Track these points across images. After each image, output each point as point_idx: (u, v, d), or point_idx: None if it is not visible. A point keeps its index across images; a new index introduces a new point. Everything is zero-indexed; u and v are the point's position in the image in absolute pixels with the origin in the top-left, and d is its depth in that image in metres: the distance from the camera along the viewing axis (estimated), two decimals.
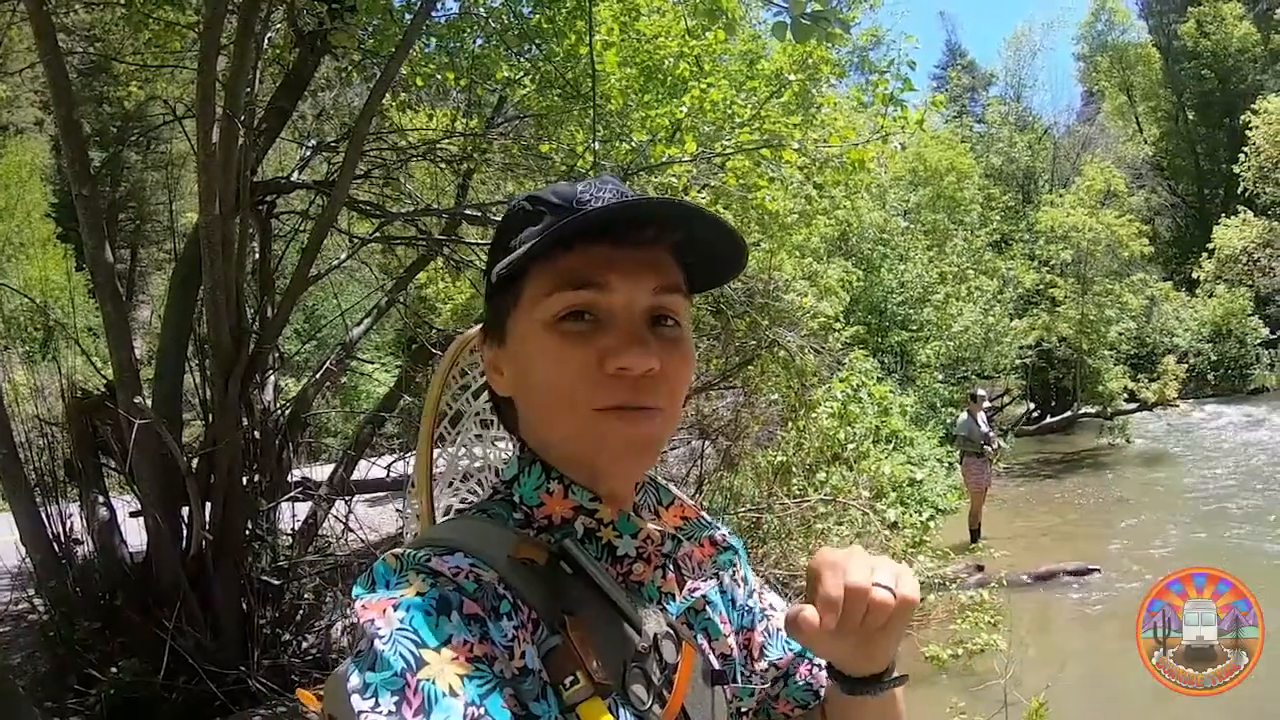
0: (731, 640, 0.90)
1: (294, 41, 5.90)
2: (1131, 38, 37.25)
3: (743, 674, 0.91)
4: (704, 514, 0.88)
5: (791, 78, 6.43)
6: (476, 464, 1.11)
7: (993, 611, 6.73)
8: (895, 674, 0.81)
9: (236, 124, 4.33)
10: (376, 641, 0.62)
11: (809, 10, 3.31)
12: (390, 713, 0.59)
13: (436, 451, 1.08)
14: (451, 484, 1.10)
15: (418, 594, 0.66)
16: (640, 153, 5.28)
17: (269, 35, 5.64)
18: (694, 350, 0.80)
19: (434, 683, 0.60)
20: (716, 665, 0.85)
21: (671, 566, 0.85)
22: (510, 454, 0.99)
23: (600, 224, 0.73)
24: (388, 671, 0.60)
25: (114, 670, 4.45)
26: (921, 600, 6.99)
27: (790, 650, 0.95)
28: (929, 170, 19.87)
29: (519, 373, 0.80)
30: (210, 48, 4.11)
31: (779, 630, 0.95)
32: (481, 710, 0.61)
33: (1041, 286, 20.14)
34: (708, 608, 0.89)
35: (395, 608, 0.64)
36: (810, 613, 0.70)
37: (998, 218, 21.16)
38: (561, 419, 0.76)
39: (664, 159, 5.10)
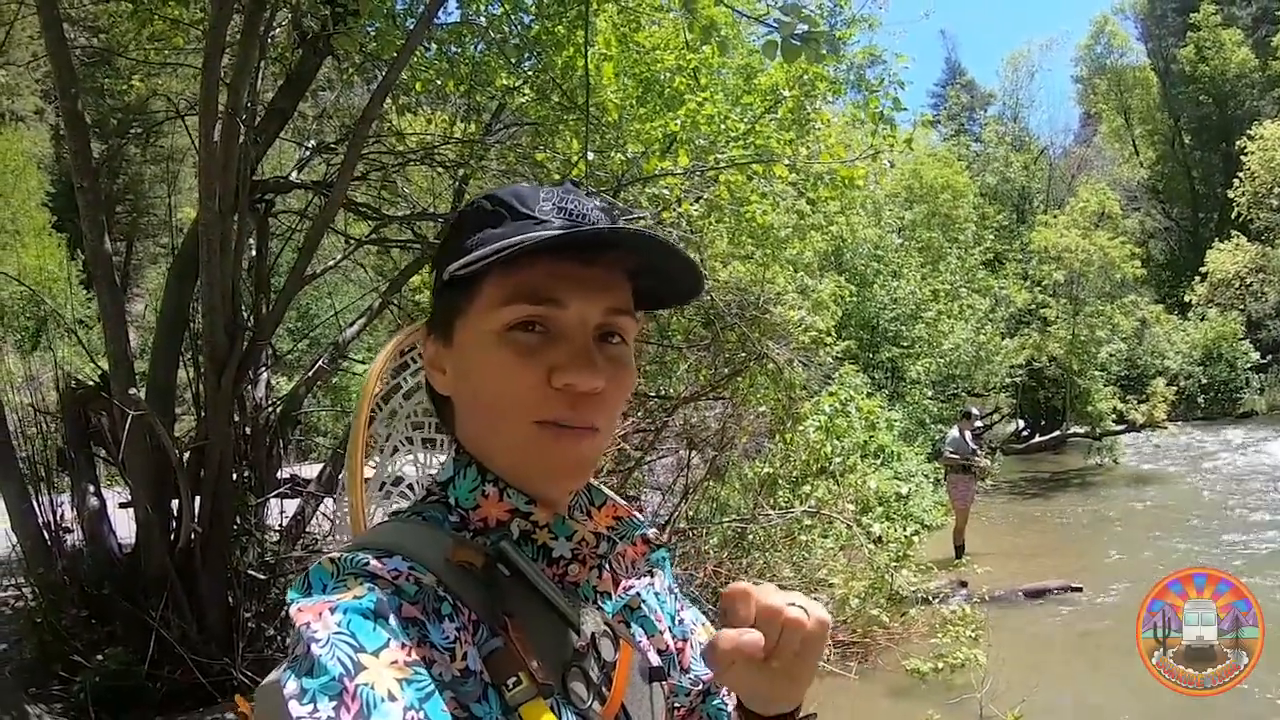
0: (667, 636, 0.92)
1: (296, 43, 5.96)
2: (1130, 61, 37.53)
3: (675, 676, 0.93)
4: (636, 514, 0.88)
5: (786, 94, 6.51)
6: (408, 468, 1.11)
7: (974, 626, 6.78)
8: (804, 714, 0.80)
9: (238, 123, 4.39)
10: (313, 646, 0.61)
11: (798, 32, 3.38)
12: (329, 718, 0.58)
13: (368, 454, 1.06)
14: (383, 487, 1.11)
15: (355, 597, 0.65)
16: (634, 164, 5.35)
17: (271, 35, 5.69)
18: (635, 369, 0.82)
19: (372, 687, 0.59)
20: (655, 661, 0.87)
21: (607, 566, 0.86)
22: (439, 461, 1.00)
23: (565, 243, 0.73)
24: (325, 676, 0.59)
25: (99, 658, 4.48)
26: (903, 614, 7.10)
27: None
28: (924, 188, 19.96)
29: (462, 375, 0.80)
30: (215, 47, 4.17)
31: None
32: (421, 714, 0.60)
33: (1034, 306, 20.24)
34: (643, 605, 0.89)
35: (333, 611, 0.63)
36: (728, 633, 0.70)
37: (991, 236, 21.25)
38: (502, 427, 0.77)
39: (656, 171, 5.17)
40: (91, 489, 5.38)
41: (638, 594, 0.89)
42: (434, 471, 1.02)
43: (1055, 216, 21.79)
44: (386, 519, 0.84)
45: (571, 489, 0.82)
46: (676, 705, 0.93)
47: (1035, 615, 8.31)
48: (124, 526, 5.15)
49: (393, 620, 0.64)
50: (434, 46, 6.33)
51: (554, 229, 0.74)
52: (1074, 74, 38.57)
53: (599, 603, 0.83)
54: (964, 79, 41.52)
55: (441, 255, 0.82)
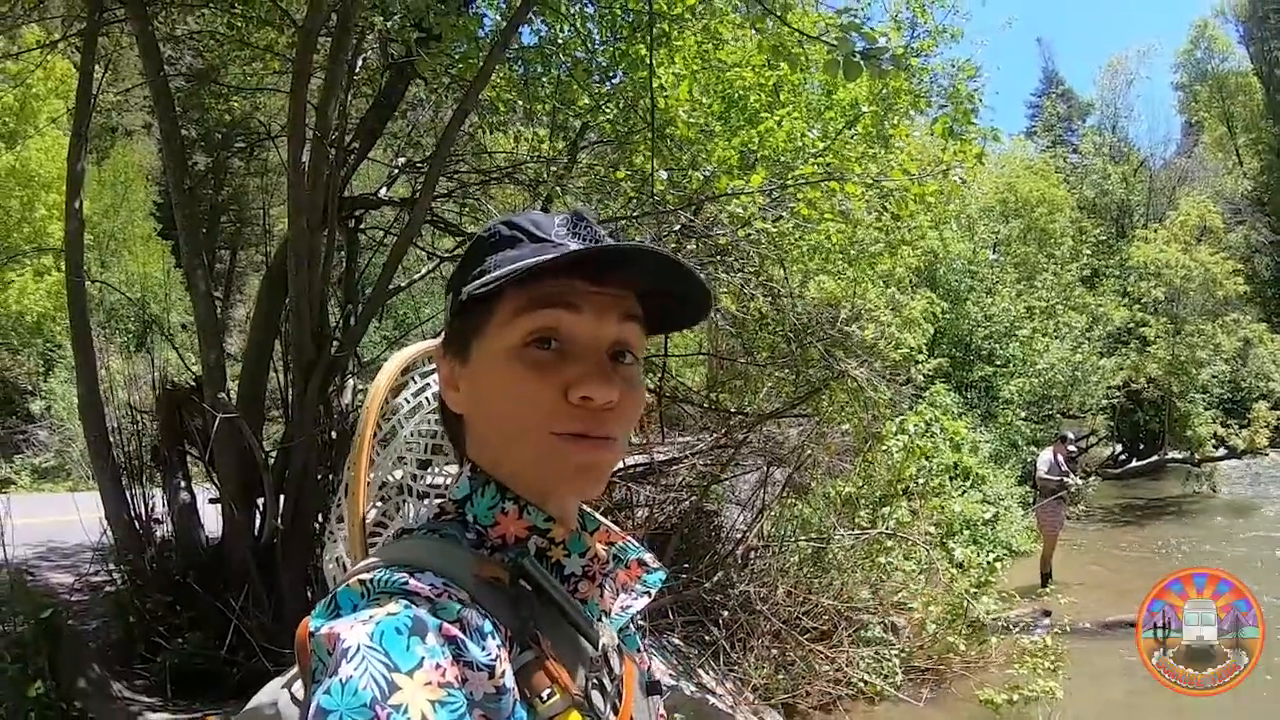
0: (646, 655, 0.95)
1: (384, 66, 6.17)
2: (1231, 66, 35.62)
3: None
4: (630, 539, 0.91)
5: (865, 109, 6.45)
6: (414, 484, 1.11)
7: (1054, 658, 6.59)
8: None
9: (325, 144, 4.57)
10: (344, 664, 0.60)
11: (859, 48, 3.37)
12: None
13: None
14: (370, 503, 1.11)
15: (390, 614, 0.64)
16: (709, 182, 5.37)
17: (361, 59, 5.91)
18: (645, 388, 0.86)
19: (405, 711, 0.58)
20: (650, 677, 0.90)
21: (608, 585, 0.88)
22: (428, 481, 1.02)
23: (583, 260, 0.76)
24: (356, 701, 0.58)
25: (180, 642, 4.73)
26: (982, 642, 6.92)
27: None
28: (1020, 201, 19.43)
29: (478, 392, 0.81)
30: (301, 72, 4.37)
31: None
32: None
33: (1132, 325, 19.46)
34: (631, 625, 0.92)
35: (367, 630, 0.62)
36: None
37: (1089, 252, 20.50)
38: (520, 444, 0.78)
39: (729, 189, 5.18)
40: (182, 485, 5.66)
41: (636, 613, 0.90)
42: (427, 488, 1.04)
43: (1155, 231, 20.95)
44: (398, 537, 0.84)
45: (587, 496, 0.83)
46: None
47: (1120, 649, 7.99)
48: (211, 521, 5.38)
49: (430, 638, 0.64)
50: (522, 65, 6.46)
51: (570, 250, 0.76)
52: (1174, 81, 36.73)
53: (603, 620, 0.85)
54: (1061, 88, 40.02)
55: (458, 277, 0.83)
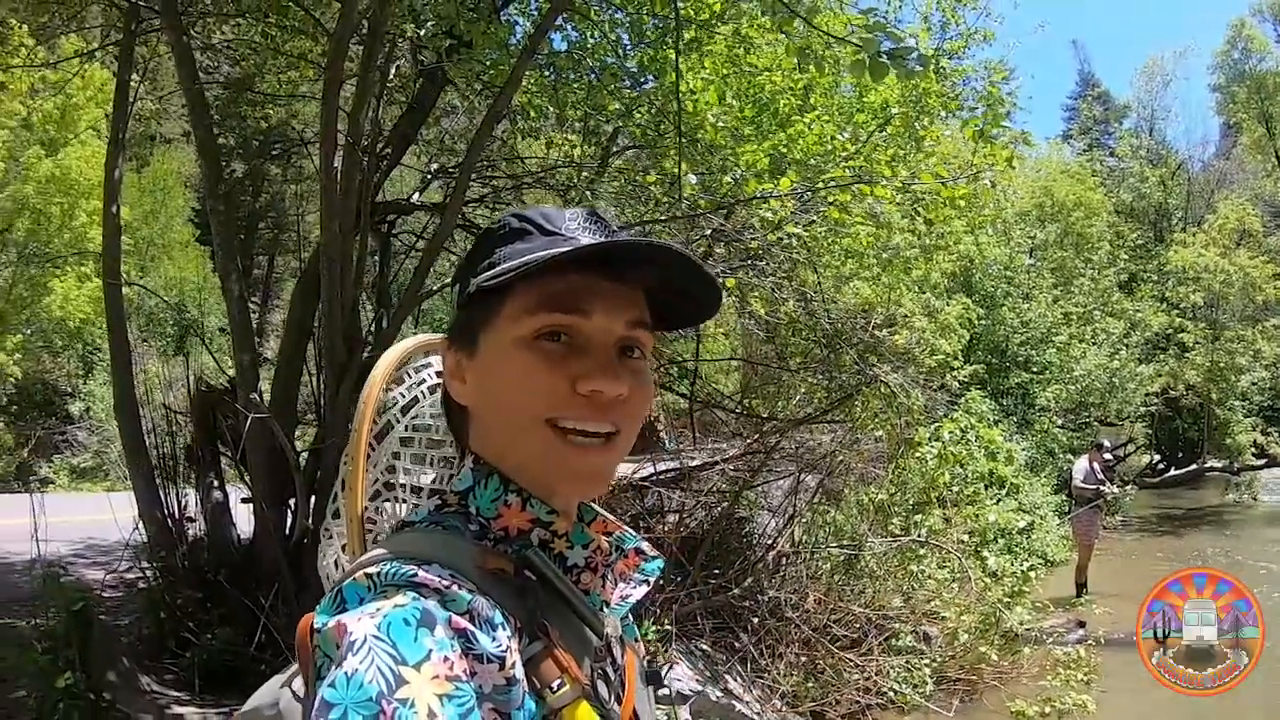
0: (641, 644, 0.94)
1: (416, 74, 6.22)
2: (1270, 66, 34.97)
3: None
4: (627, 529, 0.90)
5: (895, 111, 6.41)
6: (402, 480, 1.09)
7: (1087, 670, 6.48)
8: None
9: (357, 151, 4.61)
10: (350, 656, 0.59)
11: (884, 47, 3.34)
12: None
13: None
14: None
15: (397, 606, 0.63)
16: (739, 186, 5.36)
17: (394, 67, 5.96)
18: (652, 384, 0.85)
19: (412, 705, 0.57)
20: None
21: (609, 575, 0.87)
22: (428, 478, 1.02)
23: (595, 256, 0.76)
24: (361, 694, 0.57)
25: (209, 637, 4.78)
26: (1015, 652, 6.83)
27: None
28: (1056, 205, 19.17)
29: (485, 382, 0.81)
30: (333, 80, 4.41)
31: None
32: None
33: (1170, 330, 19.15)
34: (630, 615, 0.91)
35: (375, 622, 0.62)
36: None
37: (1126, 257, 20.22)
38: (526, 435, 0.78)
39: (757, 193, 5.17)
40: (215, 484, 5.73)
41: (636, 602, 0.90)
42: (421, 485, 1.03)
43: (1193, 235, 20.62)
44: (397, 530, 0.83)
45: (590, 496, 0.83)
46: None
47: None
48: (243, 521, 5.44)
49: (439, 630, 0.63)
50: (554, 70, 6.49)
51: (582, 244, 0.77)
52: (1211, 82, 36.02)
53: (604, 609, 0.84)
54: (1097, 90, 39.62)
55: (467, 268, 0.84)
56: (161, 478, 5.51)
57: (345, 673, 0.58)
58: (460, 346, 0.84)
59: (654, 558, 0.92)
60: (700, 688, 5.29)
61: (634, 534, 0.91)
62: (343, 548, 1.06)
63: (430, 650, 0.61)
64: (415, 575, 0.67)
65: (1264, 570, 11.66)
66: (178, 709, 4.36)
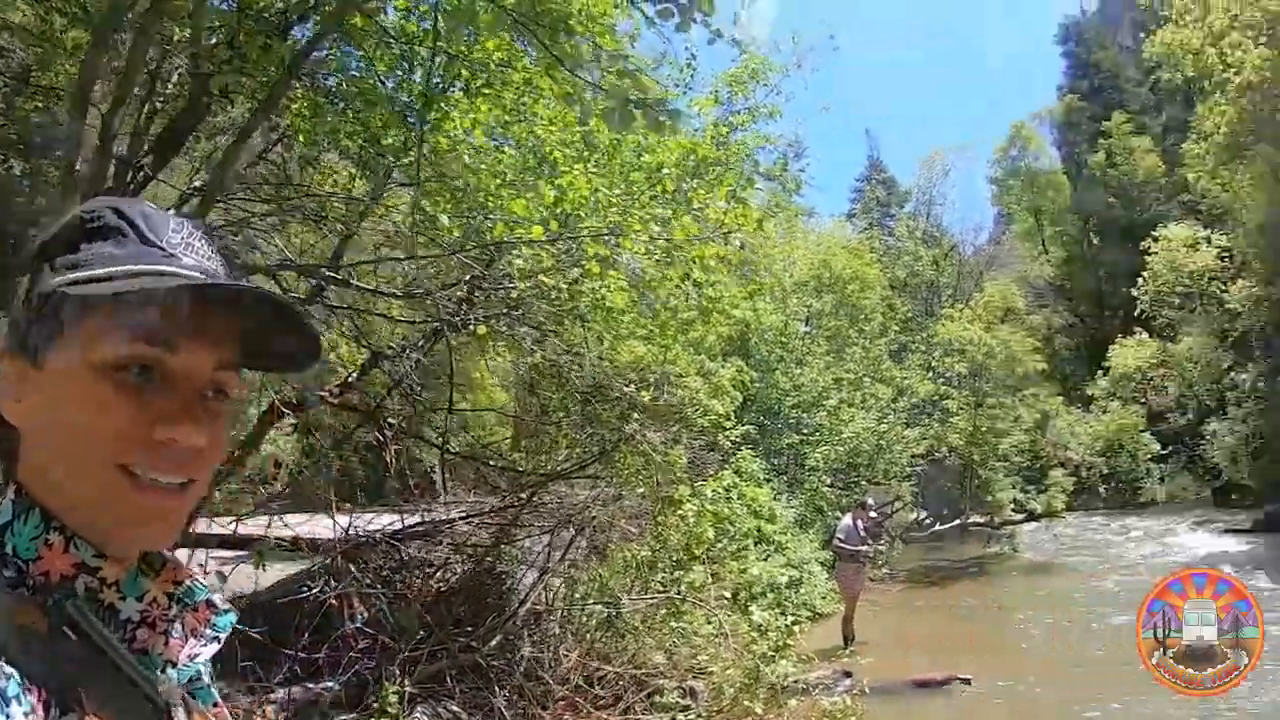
0: (225, 709, 0.85)
1: (191, 82, 5.78)
2: (1043, 165, 39.65)
3: None
4: (198, 578, 0.81)
5: (666, 171, 6.54)
6: None
7: (854, 718, 6.66)
8: None
9: (109, 157, 4.19)
10: None
11: (631, 98, 3.35)
12: None
13: None
14: None
15: None
16: (491, 232, 5.28)
17: (175, 74, 5.53)
18: (232, 427, 0.77)
19: None
20: None
21: (173, 631, 0.78)
22: None
23: (198, 296, 0.70)
24: None
25: None
26: (781, 705, 6.92)
27: None
28: (834, 277, 20.31)
29: (47, 405, 0.71)
30: (88, 81, 3.98)
31: None
32: None
33: (936, 397, 20.62)
34: (203, 674, 0.82)
35: None
36: None
37: (897, 328, 21.68)
38: (90, 472, 0.69)
39: (506, 238, 5.10)
40: None
41: (204, 662, 0.81)
42: None
43: (960, 310, 22.44)
44: None
45: (158, 546, 0.76)
46: None
47: (920, 707, 8.17)
48: None
49: None
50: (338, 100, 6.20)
51: (183, 270, 0.71)
52: (989, 175, 40.41)
53: (166, 671, 0.75)
54: (883, 175, 43.07)
55: (48, 251, 0.73)
56: None
57: None
58: (23, 353, 0.72)
59: (225, 611, 0.83)
60: None
61: (204, 585, 0.82)
62: None
63: None
64: None
65: (1021, 617, 12.55)
66: None
